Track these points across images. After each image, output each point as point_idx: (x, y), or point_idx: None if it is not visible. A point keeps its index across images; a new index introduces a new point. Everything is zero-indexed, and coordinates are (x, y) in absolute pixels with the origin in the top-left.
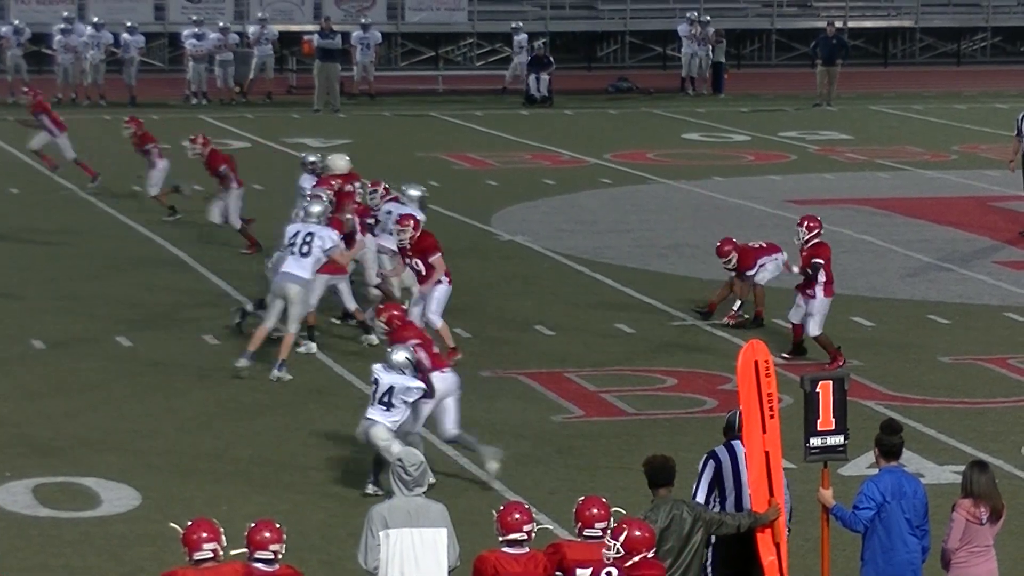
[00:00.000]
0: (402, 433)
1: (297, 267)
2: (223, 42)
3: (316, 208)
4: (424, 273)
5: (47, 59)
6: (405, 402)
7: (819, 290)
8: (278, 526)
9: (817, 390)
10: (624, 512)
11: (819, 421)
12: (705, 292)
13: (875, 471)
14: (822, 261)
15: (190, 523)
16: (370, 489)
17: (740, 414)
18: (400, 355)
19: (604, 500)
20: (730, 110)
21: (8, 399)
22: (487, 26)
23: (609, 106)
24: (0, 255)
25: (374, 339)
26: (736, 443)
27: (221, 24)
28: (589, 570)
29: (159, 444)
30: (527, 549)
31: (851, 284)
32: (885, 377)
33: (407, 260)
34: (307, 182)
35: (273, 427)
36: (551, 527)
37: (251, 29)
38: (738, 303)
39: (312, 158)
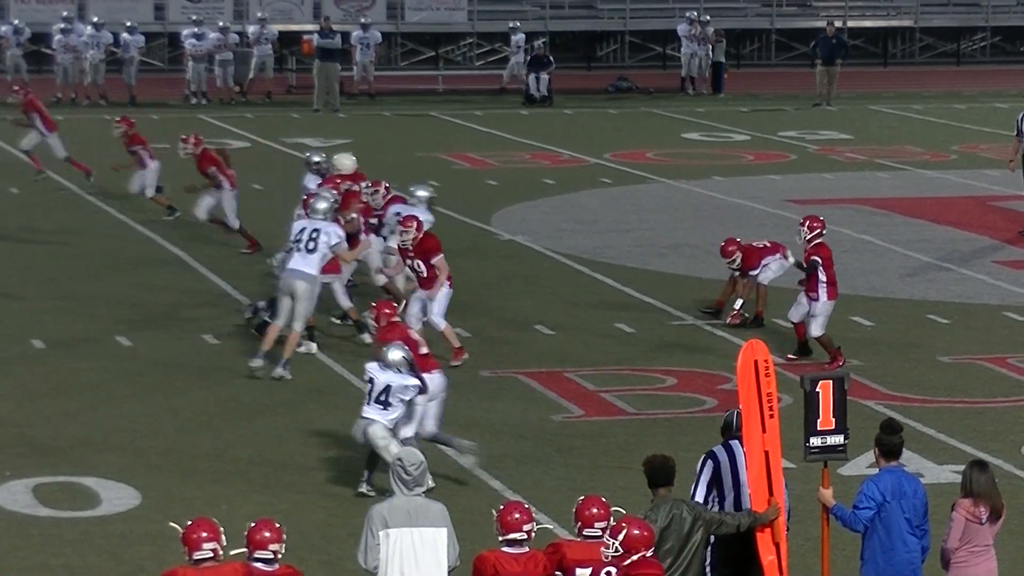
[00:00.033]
0: (396, 432)
1: (303, 263)
2: (223, 42)
3: (322, 204)
4: (424, 275)
5: (47, 59)
6: (402, 400)
7: (822, 292)
8: (278, 526)
9: (817, 390)
10: (624, 511)
11: (819, 421)
12: (705, 291)
13: (875, 471)
14: (819, 259)
15: (190, 522)
16: (364, 488)
17: (738, 414)
18: (396, 353)
19: (604, 500)
20: (730, 110)
21: (8, 399)
22: (487, 26)
23: (609, 106)
24: (0, 255)
25: (367, 338)
26: (734, 443)
27: (221, 24)
28: (589, 570)
29: (159, 444)
30: (527, 549)
31: (851, 284)
32: (885, 377)
33: (408, 261)
34: (312, 182)
35: (273, 427)
36: (551, 527)
37: (251, 29)
38: (740, 302)
39: (317, 158)
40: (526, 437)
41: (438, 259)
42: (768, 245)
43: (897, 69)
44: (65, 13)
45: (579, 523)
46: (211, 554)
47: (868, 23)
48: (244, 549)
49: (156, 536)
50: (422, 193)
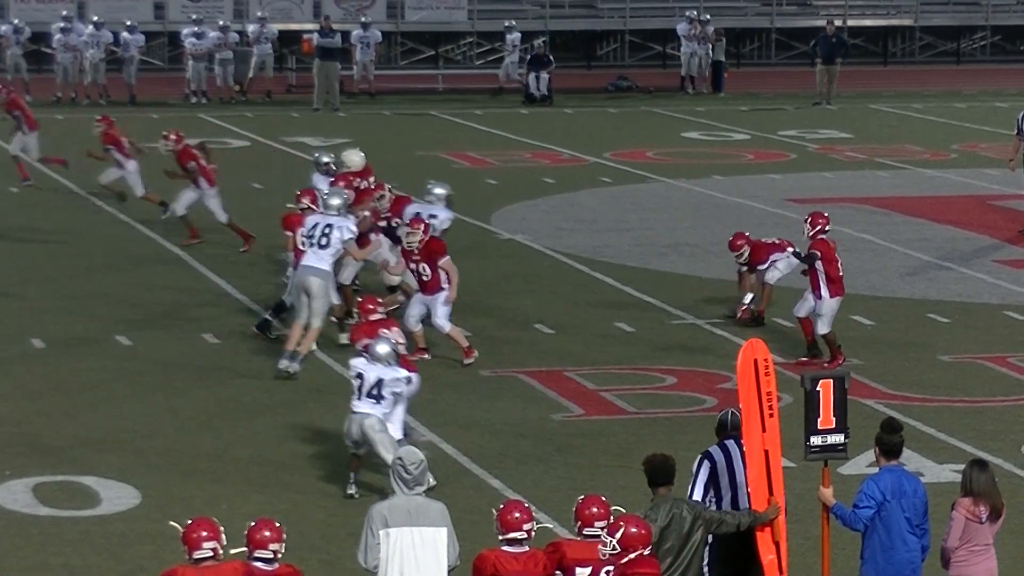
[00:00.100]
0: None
1: (316, 260)
2: (223, 41)
3: (336, 200)
4: (428, 278)
5: (47, 58)
6: (394, 393)
7: (823, 290)
8: (278, 525)
9: (817, 389)
10: (624, 511)
11: (819, 420)
12: (705, 291)
13: (875, 470)
14: (818, 253)
15: (190, 522)
16: (352, 491)
17: (733, 413)
18: (384, 347)
19: (604, 499)
20: (730, 109)
21: (8, 398)
22: (487, 25)
23: (609, 105)
24: (0, 254)
25: (343, 338)
26: (730, 442)
27: (221, 23)
28: (589, 569)
29: (159, 443)
30: (527, 548)
31: (851, 283)
32: (885, 376)
33: (411, 264)
34: (320, 182)
35: (273, 426)
36: (551, 526)
37: (250, 28)
38: (749, 296)
39: (326, 158)
40: (526, 436)
41: (445, 261)
42: (776, 242)
43: (897, 68)
44: (65, 12)
45: (579, 522)
46: (211, 553)
47: (868, 22)
48: (244, 548)
49: (156, 535)
50: (439, 191)
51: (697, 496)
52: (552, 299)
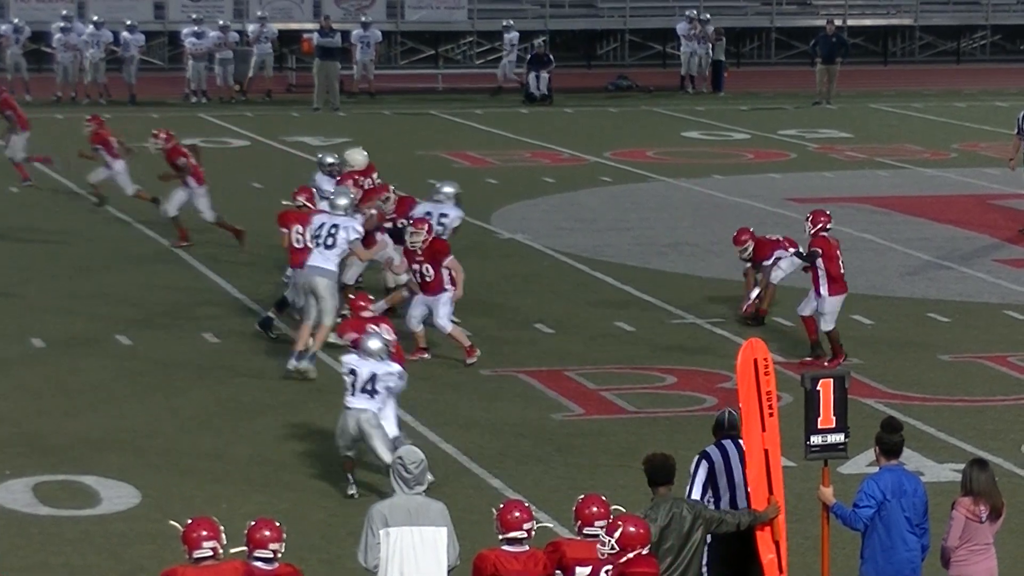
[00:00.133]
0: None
1: (323, 260)
2: (223, 40)
3: (343, 200)
4: (431, 279)
5: (47, 57)
6: (387, 388)
7: (823, 288)
8: (278, 525)
9: (817, 388)
10: (624, 510)
11: (820, 419)
12: (705, 290)
13: (875, 469)
14: (819, 250)
15: (190, 521)
16: (352, 491)
17: (730, 412)
18: (376, 342)
19: (604, 498)
20: (730, 108)
21: (8, 398)
22: (487, 24)
23: (609, 104)
24: (0, 254)
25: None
26: (727, 442)
27: (221, 22)
28: (589, 568)
29: (159, 442)
30: (527, 547)
31: (851, 282)
32: (885, 375)
33: (415, 265)
34: (323, 182)
35: (273, 426)
36: (551, 525)
37: (250, 28)
38: (756, 291)
39: (330, 159)
40: (526, 436)
41: (450, 260)
42: (781, 239)
43: (897, 68)
44: (65, 12)
45: (579, 522)
46: (211, 553)
47: (868, 22)
48: (244, 548)
49: (156, 535)
50: (448, 189)
51: (695, 496)
52: (552, 298)
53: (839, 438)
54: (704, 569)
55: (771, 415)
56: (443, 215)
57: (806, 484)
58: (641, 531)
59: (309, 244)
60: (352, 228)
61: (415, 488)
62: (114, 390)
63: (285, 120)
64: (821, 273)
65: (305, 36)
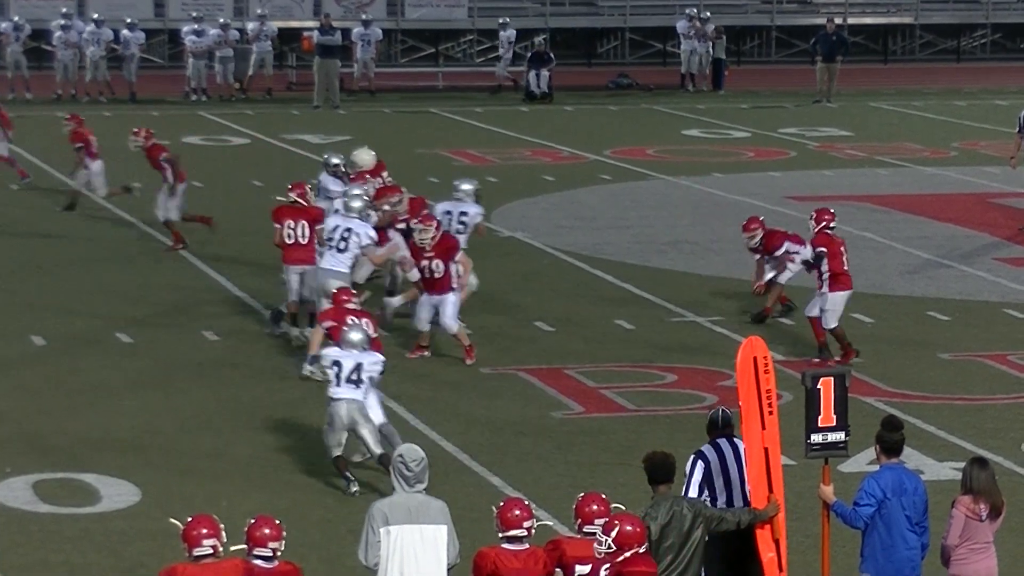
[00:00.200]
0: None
1: (335, 262)
2: (223, 38)
3: (357, 203)
4: (440, 276)
5: (47, 55)
6: (371, 377)
7: (824, 284)
8: (277, 523)
9: (818, 386)
10: (624, 508)
11: (820, 417)
12: (705, 288)
13: (876, 468)
14: (824, 250)
15: (190, 519)
16: (354, 489)
17: (723, 411)
18: (357, 334)
19: (604, 496)
20: (730, 106)
21: (8, 396)
22: (487, 22)
23: (609, 102)
24: (0, 252)
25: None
26: (722, 441)
27: (221, 20)
28: (588, 567)
29: (159, 441)
30: (527, 545)
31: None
32: (885, 373)
33: (424, 261)
34: (330, 183)
35: (273, 424)
36: (551, 523)
37: (250, 26)
38: (771, 274)
39: (336, 160)
40: (526, 434)
41: (460, 255)
42: (791, 234)
43: (897, 66)
44: (65, 10)
45: (579, 520)
46: (211, 551)
47: (868, 20)
48: (244, 546)
49: (156, 533)
50: (467, 186)
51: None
52: (552, 297)
53: (839, 436)
54: (703, 569)
55: (771, 413)
56: (463, 213)
57: (806, 482)
58: (638, 530)
59: (287, 239)
60: (365, 233)
61: (415, 486)
62: (114, 388)
63: (285, 118)
64: (823, 270)
65: (305, 34)
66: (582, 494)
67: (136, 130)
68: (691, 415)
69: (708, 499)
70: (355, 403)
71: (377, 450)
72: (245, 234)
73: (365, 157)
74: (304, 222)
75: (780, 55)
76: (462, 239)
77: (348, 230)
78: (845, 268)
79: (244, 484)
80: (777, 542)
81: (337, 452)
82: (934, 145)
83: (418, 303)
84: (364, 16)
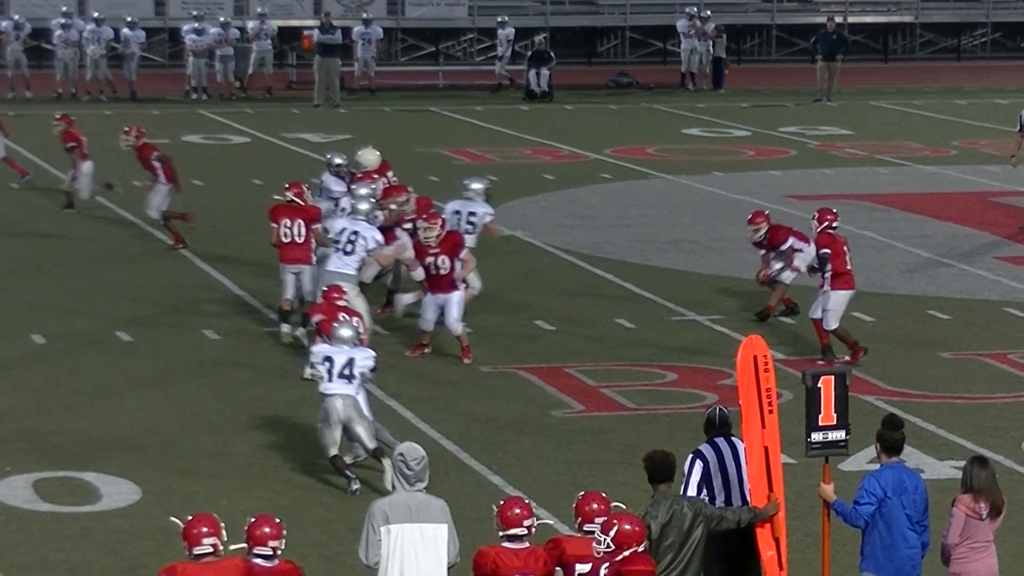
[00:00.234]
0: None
1: (341, 265)
2: (223, 37)
3: (364, 206)
4: (446, 273)
5: (47, 54)
6: (362, 372)
7: (827, 284)
8: (278, 521)
9: (818, 385)
10: (624, 507)
11: (820, 416)
12: (705, 287)
13: (876, 466)
14: (828, 251)
15: (190, 518)
16: (355, 486)
17: (720, 409)
18: (347, 330)
19: (604, 495)
20: (730, 105)
21: (8, 394)
22: (487, 21)
23: (609, 101)
24: (0, 250)
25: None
26: (720, 440)
27: (221, 19)
28: (589, 565)
29: (159, 439)
30: (527, 544)
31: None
32: (885, 372)
33: (429, 258)
34: (333, 183)
35: (273, 422)
36: (551, 522)
37: (250, 24)
38: (778, 264)
39: (339, 160)
40: (526, 432)
41: (465, 252)
42: (795, 230)
43: (898, 65)
44: (65, 8)
45: (579, 519)
46: (211, 549)
47: (869, 19)
48: (244, 545)
49: (156, 532)
50: (477, 185)
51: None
52: (552, 295)
53: (840, 435)
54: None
55: (771, 412)
56: (472, 213)
57: (806, 481)
58: (636, 529)
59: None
60: (372, 237)
61: (416, 485)
62: (115, 387)
63: (286, 117)
64: (825, 270)
65: (306, 33)
66: (582, 493)
67: (127, 129)
68: (691, 414)
69: (707, 498)
70: (350, 398)
71: (371, 444)
72: (245, 233)
73: (370, 157)
74: (300, 221)
75: (780, 54)
76: (471, 239)
77: (355, 233)
78: (848, 268)
79: (244, 483)
80: (777, 541)
81: (334, 451)
82: (934, 144)
83: (423, 304)
84: (364, 15)
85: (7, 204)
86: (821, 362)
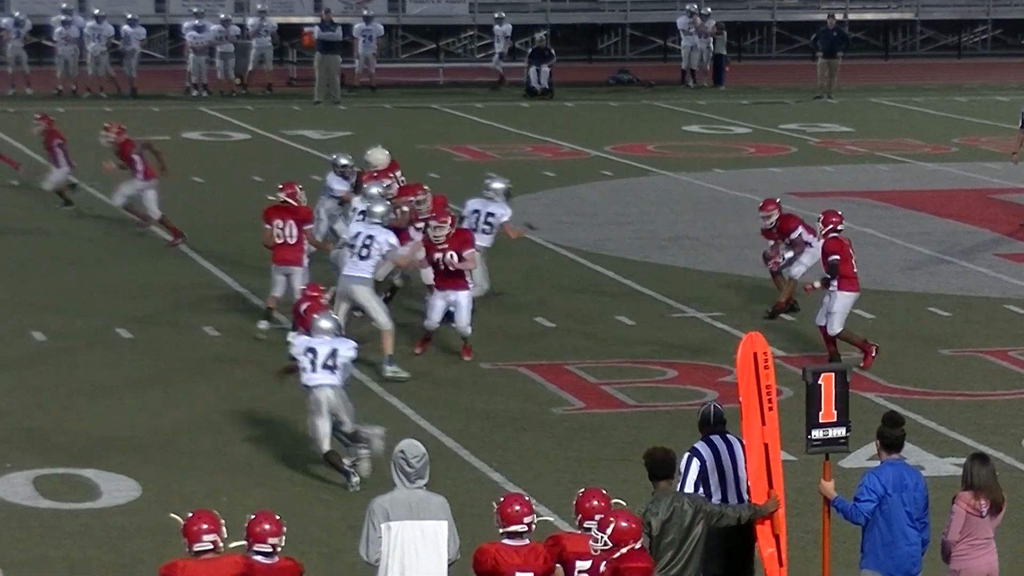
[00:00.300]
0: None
1: (357, 268)
2: (224, 34)
3: (379, 209)
4: (454, 269)
5: (48, 51)
6: (344, 363)
7: (833, 284)
8: (278, 518)
9: (819, 382)
10: (624, 504)
11: (821, 413)
12: (705, 284)
13: (876, 463)
14: (838, 257)
15: (190, 515)
16: (354, 481)
17: (715, 407)
18: (327, 322)
19: (604, 492)
20: (731, 102)
21: (9, 391)
22: (488, 18)
23: (610, 98)
24: (0, 248)
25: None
26: (716, 438)
27: (222, 16)
28: (589, 562)
29: (159, 436)
30: (527, 541)
31: None
32: (885, 370)
33: (438, 254)
34: (336, 183)
35: (273, 420)
36: (551, 519)
37: (251, 21)
38: (789, 253)
39: (344, 160)
40: (527, 429)
41: (469, 252)
42: (805, 222)
43: (898, 62)
44: (65, 5)
45: (580, 516)
46: (211, 546)
47: (869, 16)
48: (244, 542)
49: (156, 529)
50: (498, 185)
51: None
52: (553, 292)
53: (840, 432)
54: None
55: (771, 409)
56: (490, 214)
57: (806, 478)
58: (633, 526)
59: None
60: (386, 241)
61: (416, 482)
62: (115, 385)
63: (286, 113)
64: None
65: (306, 30)
66: (582, 490)
67: (107, 125)
68: (692, 411)
69: (704, 496)
70: (335, 388)
71: (351, 428)
72: (245, 230)
73: (380, 156)
74: (292, 222)
75: (781, 51)
76: (487, 239)
77: (370, 237)
78: (854, 270)
79: (244, 480)
80: (777, 538)
81: (327, 445)
82: (935, 141)
83: (429, 304)
84: (365, 12)
85: (7, 204)
86: None
